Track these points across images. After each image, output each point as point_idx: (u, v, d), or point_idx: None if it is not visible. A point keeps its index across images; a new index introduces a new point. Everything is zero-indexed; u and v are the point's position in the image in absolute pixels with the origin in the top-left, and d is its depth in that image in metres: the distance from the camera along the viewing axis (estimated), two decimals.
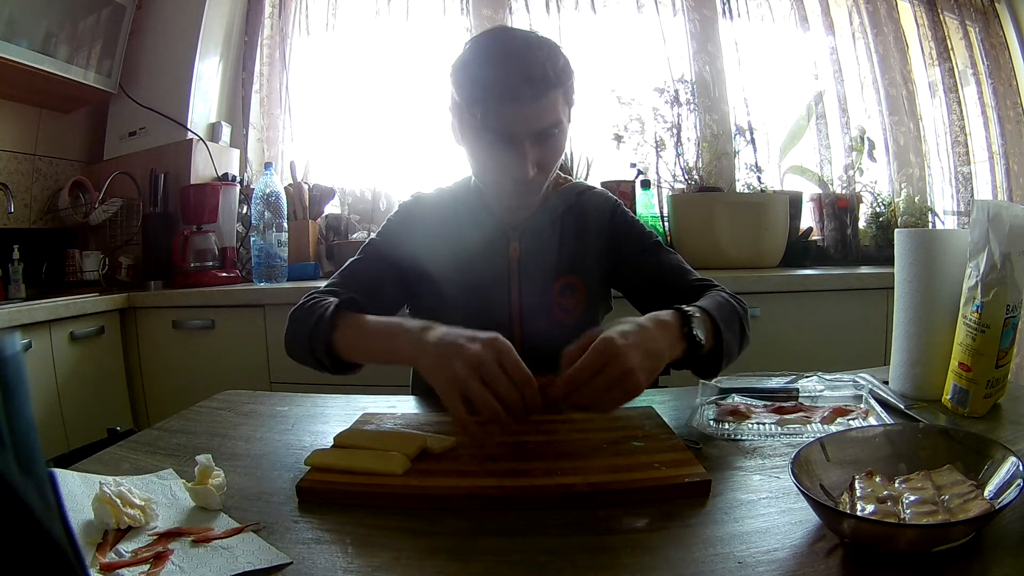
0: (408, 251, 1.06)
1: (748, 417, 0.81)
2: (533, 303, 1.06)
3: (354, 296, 0.93)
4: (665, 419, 0.79)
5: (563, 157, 1.03)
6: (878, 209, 2.22)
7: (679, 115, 2.22)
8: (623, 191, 2.08)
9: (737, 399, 0.89)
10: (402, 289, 1.07)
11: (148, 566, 0.50)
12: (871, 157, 2.28)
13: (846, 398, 0.87)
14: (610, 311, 1.15)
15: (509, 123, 0.91)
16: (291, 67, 2.53)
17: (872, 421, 0.78)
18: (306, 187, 2.33)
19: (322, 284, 1.02)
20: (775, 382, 0.96)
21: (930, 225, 2.21)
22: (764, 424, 0.79)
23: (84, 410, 1.77)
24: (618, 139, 2.18)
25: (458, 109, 0.97)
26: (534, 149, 0.93)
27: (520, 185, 0.96)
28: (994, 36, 2.35)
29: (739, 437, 0.76)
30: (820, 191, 2.31)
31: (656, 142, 2.21)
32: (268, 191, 2.06)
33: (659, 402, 0.92)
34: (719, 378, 0.97)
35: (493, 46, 0.94)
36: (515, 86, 0.89)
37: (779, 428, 0.78)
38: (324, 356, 0.88)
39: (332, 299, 0.91)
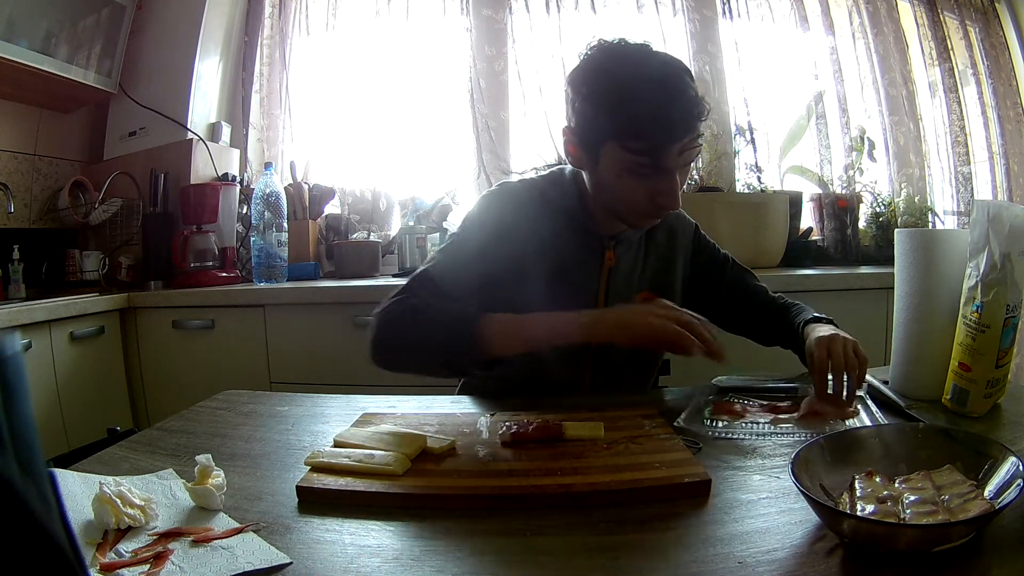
0: (504, 247, 1.01)
1: (743, 416, 0.81)
2: None
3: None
4: (665, 419, 0.79)
5: None
6: (878, 209, 2.22)
7: None
8: None
9: (735, 399, 0.89)
10: (486, 287, 1.02)
11: (148, 566, 0.50)
12: (871, 157, 2.28)
13: None
14: None
15: (672, 158, 0.90)
16: (291, 67, 2.52)
17: (865, 420, 0.78)
18: (306, 187, 2.33)
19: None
20: (775, 382, 0.97)
21: (930, 225, 2.21)
22: (758, 423, 0.79)
23: (84, 410, 1.77)
24: None
25: (601, 133, 0.92)
26: (679, 176, 0.94)
27: (664, 212, 0.97)
28: (994, 36, 2.35)
29: (732, 436, 0.76)
30: (820, 191, 2.31)
31: None
32: (268, 191, 2.06)
33: (659, 402, 0.92)
34: (719, 378, 0.98)
35: (649, 84, 0.90)
36: (686, 126, 0.89)
37: (772, 427, 0.78)
38: (467, 356, 0.89)
39: (460, 305, 0.92)
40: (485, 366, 0.91)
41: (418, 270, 1.01)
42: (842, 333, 0.91)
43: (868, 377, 0.94)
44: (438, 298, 0.95)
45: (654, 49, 0.95)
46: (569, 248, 1.03)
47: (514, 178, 1.12)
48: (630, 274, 1.08)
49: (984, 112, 2.35)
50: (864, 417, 0.79)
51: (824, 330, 0.93)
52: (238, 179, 2.36)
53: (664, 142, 0.89)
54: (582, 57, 0.96)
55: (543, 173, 1.11)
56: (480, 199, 1.09)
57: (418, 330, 0.92)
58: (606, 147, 0.92)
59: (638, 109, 0.89)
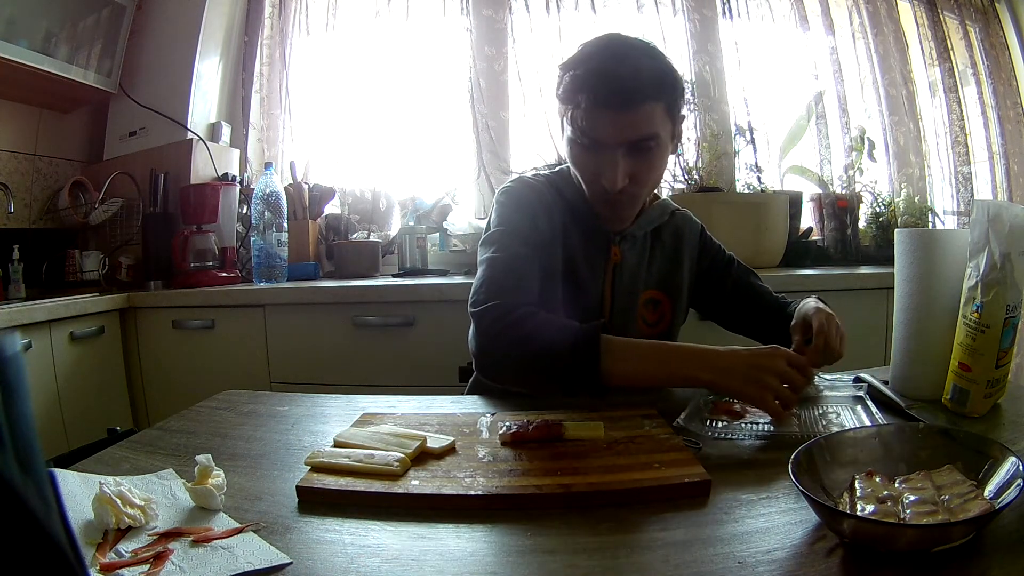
0: (538, 233, 1.00)
1: (743, 416, 0.81)
2: (621, 311, 1.07)
3: (601, 322, 0.88)
4: (665, 419, 0.79)
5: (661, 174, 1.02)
6: (878, 209, 2.22)
7: None
8: None
9: (735, 399, 0.89)
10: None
11: (148, 566, 0.50)
12: (871, 157, 2.28)
13: (846, 398, 0.87)
14: (684, 321, 1.19)
15: (599, 129, 0.91)
16: (291, 67, 2.53)
17: (865, 420, 0.78)
18: (306, 187, 2.33)
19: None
20: None
21: (930, 225, 2.21)
22: (758, 424, 0.79)
23: (84, 410, 1.77)
24: None
25: (559, 105, 0.97)
26: (626, 160, 0.92)
27: (610, 194, 0.95)
28: (994, 36, 2.35)
29: (731, 436, 0.76)
30: (820, 191, 2.31)
31: None
32: (268, 191, 2.06)
33: (659, 402, 0.92)
34: None
35: (596, 50, 0.93)
36: (607, 92, 0.88)
37: (772, 427, 0.78)
38: (581, 382, 0.85)
39: (570, 322, 0.88)
40: (598, 392, 0.86)
41: (485, 265, 0.97)
42: (827, 309, 0.99)
43: (868, 377, 0.94)
44: (531, 300, 0.91)
45: (644, 41, 0.96)
46: (577, 242, 1.04)
47: (528, 173, 1.12)
48: (635, 271, 1.08)
49: (984, 112, 2.35)
50: (864, 417, 0.79)
51: (812, 304, 1.01)
52: (238, 179, 2.36)
53: (587, 104, 0.89)
54: None
55: (555, 169, 1.11)
56: (503, 193, 1.07)
57: (528, 345, 0.87)
58: (561, 113, 0.95)
59: (572, 72, 0.92)
